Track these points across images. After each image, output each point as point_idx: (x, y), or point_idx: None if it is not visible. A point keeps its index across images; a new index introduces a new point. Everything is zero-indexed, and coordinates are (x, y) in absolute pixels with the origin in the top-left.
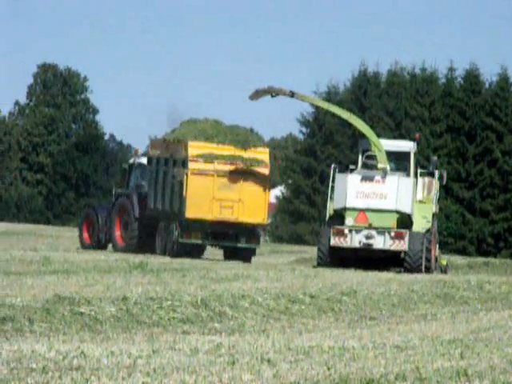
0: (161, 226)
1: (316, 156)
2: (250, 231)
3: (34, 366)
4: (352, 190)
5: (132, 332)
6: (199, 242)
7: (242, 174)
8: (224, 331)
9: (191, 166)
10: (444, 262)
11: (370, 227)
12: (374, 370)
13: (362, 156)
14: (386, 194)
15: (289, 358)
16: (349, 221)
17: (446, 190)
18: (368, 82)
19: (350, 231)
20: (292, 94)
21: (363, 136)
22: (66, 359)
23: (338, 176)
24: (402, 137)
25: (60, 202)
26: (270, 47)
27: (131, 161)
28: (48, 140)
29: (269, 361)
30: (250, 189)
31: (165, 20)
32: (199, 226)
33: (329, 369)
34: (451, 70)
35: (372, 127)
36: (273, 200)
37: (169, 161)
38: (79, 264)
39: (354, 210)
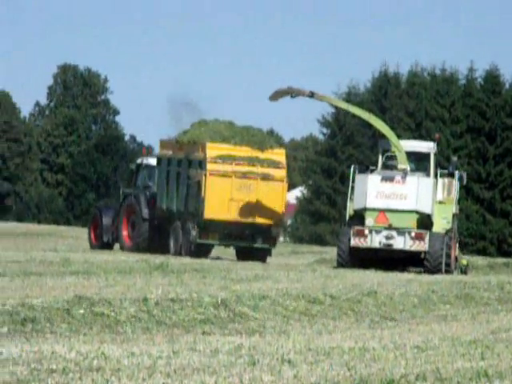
0: (175, 226)
1: (336, 157)
2: (266, 232)
3: (55, 366)
4: (372, 191)
5: (152, 333)
6: (216, 242)
7: (259, 175)
8: (244, 332)
9: (210, 167)
10: (464, 263)
11: (390, 228)
12: (394, 370)
13: (382, 156)
14: (406, 195)
15: (309, 359)
16: (369, 221)
17: (466, 191)
18: (388, 82)
19: (370, 232)
20: (312, 95)
21: (383, 136)
22: (86, 360)
23: (358, 176)
24: (422, 137)
25: (80, 202)
26: (291, 48)
27: (139, 161)
28: (68, 141)
29: (289, 362)
30: (266, 190)
31: (187, 21)
32: (217, 226)
33: (349, 369)
34: (471, 70)
35: (392, 128)
36: (293, 201)
37: (183, 161)
38: (99, 265)
39: (374, 210)
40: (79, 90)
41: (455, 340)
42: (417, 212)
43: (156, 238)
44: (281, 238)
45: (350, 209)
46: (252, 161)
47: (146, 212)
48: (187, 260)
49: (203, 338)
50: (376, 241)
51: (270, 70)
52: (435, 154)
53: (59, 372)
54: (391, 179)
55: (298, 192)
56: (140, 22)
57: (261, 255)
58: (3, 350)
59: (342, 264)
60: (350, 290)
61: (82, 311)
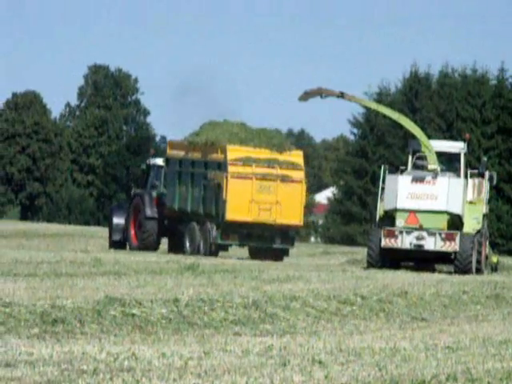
0: (190, 227)
1: (367, 157)
2: (284, 232)
3: (85, 367)
4: (403, 191)
5: (183, 333)
6: (236, 243)
7: (279, 176)
8: (275, 333)
9: (231, 169)
10: (495, 260)
11: (420, 228)
12: (425, 371)
13: (412, 157)
14: (436, 195)
15: (340, 360)
16: (399, 222)
17: (497, 191)
18: (419, 83)
19: (401, 232)
20: (341, 95)
21: (413, 137)
22: (116, 361)
23: (389, 177)
24: (453, 138)
25: (111, 203)
26: (322, 48)
27: (148, 161)
28: (99, 141)
29: (320, 362)
30: (286, 191)
31: (218, 22)
32: (238, 227)
33: (380, 370)
34: (502, 71)
35: (423, 128)
36: (324, 201)
37: (197, 163)
38: (130, 265)
39: (404, 211)
40: (110, 91)
41: (486, 340)
42: (447, 213)
43: (171, 238)
44: (312, 239)
45: (381, 209)
46: (271, 163)
47: (149, 211)
48: (218, 260)
49: (234, 338)
50: (407, 241)
51: (300, 71)
52: (465, 154)
53: (90, 373)
54: (422, 180)
55: (329, 192)
56: (170, 22)
57: (278, 255)
58: (34, 350)
59: (372, 264)
60: (380, 291)
61: (112, 312)
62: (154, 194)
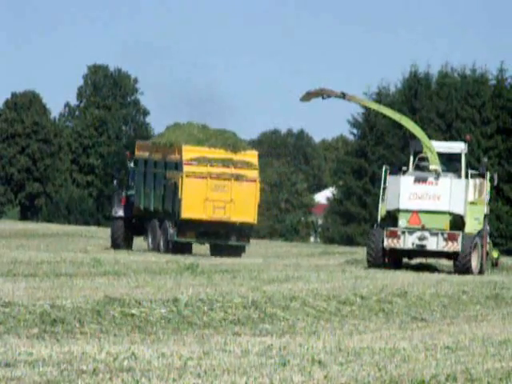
0: (152, 225)
1: (367, 157)
2: (240, 230)
3: (85, 367)
4: (405, 192)
5: (183, 333)
6: (193, 240)
7: (233, 175)
8: (275, 333)
9: (186, 169)
10: (495, 255)
11: (423, 229)
12: (424, 371)
13: (414, 157)
14: (439, 196)
15: (340, 360)
16: (402, 222)
17: (496, 191)
18: (419, 83)
19: (403, 232)
20: (343, 96)
21: (414, 137)
22: (116, 361)
23: (391, 178)
24: (452, 138)
25: (110, 203)
26: (322, 48)
27: (129, 163)
28: (98, 142)
29: (320, 362)
30: (240, 190)
31: (215, 21)
32: (194, 225)
33: (379, 370)
34: (501, 71)
35: (423, 129)
36: (324, 201)
37: (159, 163)
38: (129, 265)
39: (407, 211)
40: (109, 91)
41: (485, 340)
42: (450, 213)
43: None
44: (311, 239)
45: (382, 210)
46: (226, 162)
47: (115, 211)
48: (217, 261)
49: (233, 338)
50: (409, 242)
51: (300, 71)
52: (466, 155)
53: (89, 373)
54: (424, 180)
55: (328, 193)
56: (170, 22)
57: (236, 252)
58: (33, 350)
59: (372, 264)
60: (380, 291)
61: (112, 312)
62: (123, 194)
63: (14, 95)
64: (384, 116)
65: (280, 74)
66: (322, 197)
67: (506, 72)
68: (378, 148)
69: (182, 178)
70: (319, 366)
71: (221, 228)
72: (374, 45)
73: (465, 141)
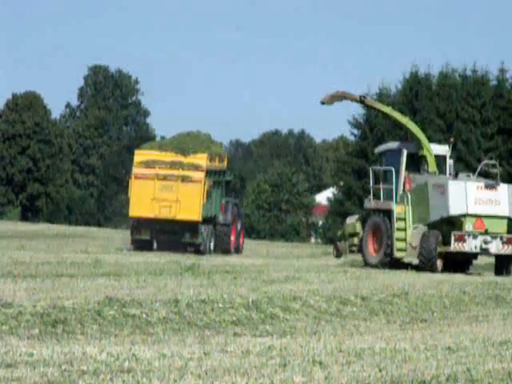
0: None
1: (367, 158)
2: (192, 227)
3: (86, 368)
4: (471, 197)
5: (183, 334)
6: (148, 238)
7: (180, 177)
8: (275, 333)
9: (135, 170)
10: None
11: (486, 233)
12: (425, 371)
13: (407, 159)
14: (499, 201)
15: (340, 360)
16: (468, 226)
17: None
18: (419, 83)
19: (469, 236)
20: (363, 100)
21: (410, 139)
22: (117, 361)
23: (452, 183)
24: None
25: (111, 204)
26: (322, 48)
27: None
28: (99, 142)
29: (320, 363)
30: (186, 190)
31: (214, 21)
32: (148, 223)
33: (380, 371)
34: (502, 71)
35: (423, 129)
36: (324, 202)
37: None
38: (130, 266)
39: (473, 216)
40: (110, 92)
41: (486, 341)
42: (509, 218)
43: None
44: (312, 239)
45: (437, 214)
46: (174, 165)
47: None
48: (218, 261)
49: (234, 339)
50: (473, 245)
51: (300, 71)
52: (450, 157)
53: (90, 373)
54: (487, 186)
55: (329, 193)
56: (171, 23)
57: (194, 249)
58: (34, 351)
59: (426, 267)
60: (381, 291)
61: (112, 313)
62: None
63: (14, 96)
64: (390, 118)
65: (280, 75)
66: (323, 197)
67: (506, 72)
68: None
69: (131, 179)
70: (320, 367)
71: (175, 226)
72: (375, 45)
73: (449, 143)
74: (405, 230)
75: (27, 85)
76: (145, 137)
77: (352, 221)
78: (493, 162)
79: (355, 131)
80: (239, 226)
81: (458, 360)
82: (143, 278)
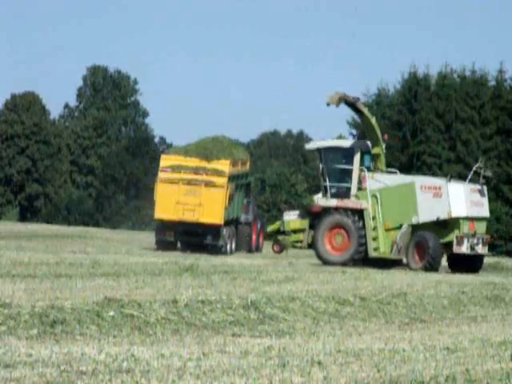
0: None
1: None
2: (215, 230)
3: (84, 368)
4: (467, 200)
5: (182, 334)
6: (172, 239)
7: (203, 182)
8: (274, 334)
9: (160, 175)
10: None
11: (474, 234)
12: (424, 372)
13: (361, 157)
14: (482, 203)
15: (339, 361)
16: (464, 228)
17: (495, 192)
18: (418, 84)
19: (465, 238)
20: (356, 100)
21: (359, 138)
22: (115, 362)
23: (451, 185)
24: (452, 139)
25: (110, 204)
26: (321, 48)
27: None
28: (98, 143)
29: (319, 363)
30: (209, 194)
31: (214, 21)
32: (172, 225)
33: (379, 371)
34: (501, 72)
35: (422, 130)
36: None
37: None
38: (129, 266)
39: (468, 218)
40: (109, 92)
41: (485, 341)
42: (488, 219)
43: None
44: None
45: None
46: (198, 170)
47: None
48: (217, 261)
49: (233, 339)
50: (465, 247)
51: (300, 71)
52: (384, 154)
53: (89, 374)
54: (476, 189)
55: None
56: (170, 23)
57: (214, 250)
58: (33, 351)
59: (434, 269)
60: (379, 292)
61: (111, 313)
62: None
63: (13, 96)
64: (361, 113)
65: (279, 75)
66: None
67: (505, 73)
68: None
69: (157, 183)
70: (319, 367)
71: (198, 228)
72: (374, 45)
73: (383, 140)
74: (375, 229)
75: (26, 85)
76: (144, 137)
77: (291, 217)
78: (481, 164)
79: (353, 131)
80: (259, 226)
81: (456, 360)
82: (142, 278)
